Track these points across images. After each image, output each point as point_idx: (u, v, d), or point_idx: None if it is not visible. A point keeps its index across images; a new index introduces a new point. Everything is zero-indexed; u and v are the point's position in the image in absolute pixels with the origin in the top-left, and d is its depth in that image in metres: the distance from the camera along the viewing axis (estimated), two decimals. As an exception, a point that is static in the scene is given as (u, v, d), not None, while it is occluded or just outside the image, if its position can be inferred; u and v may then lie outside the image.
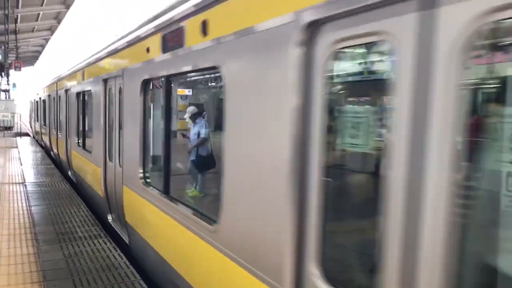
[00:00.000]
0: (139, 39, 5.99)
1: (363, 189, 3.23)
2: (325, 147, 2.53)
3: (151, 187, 5.67)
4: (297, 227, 2.66)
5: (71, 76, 12.82)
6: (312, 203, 2.59)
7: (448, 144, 1.78)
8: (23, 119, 43.02)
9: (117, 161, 7.37)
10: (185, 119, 8.66)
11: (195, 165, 8.25)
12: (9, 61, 31.53)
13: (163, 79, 5.25)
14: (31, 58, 52.42)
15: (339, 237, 2.96)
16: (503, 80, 2.07)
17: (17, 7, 26.30)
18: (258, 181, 3.05)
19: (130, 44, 6.47)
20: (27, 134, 32.35)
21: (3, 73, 35.22)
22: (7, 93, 40.23)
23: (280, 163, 2.76)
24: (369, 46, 2.56)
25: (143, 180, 5.94)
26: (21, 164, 15.59)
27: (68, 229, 7.57)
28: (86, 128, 10.83)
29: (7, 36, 26.84)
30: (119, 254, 6.34)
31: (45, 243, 6.76)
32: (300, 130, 2.62)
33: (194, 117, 8.32)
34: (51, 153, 18.32)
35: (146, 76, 5.66)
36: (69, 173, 13.23)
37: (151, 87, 6.20)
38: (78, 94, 11.31)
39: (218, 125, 8.43)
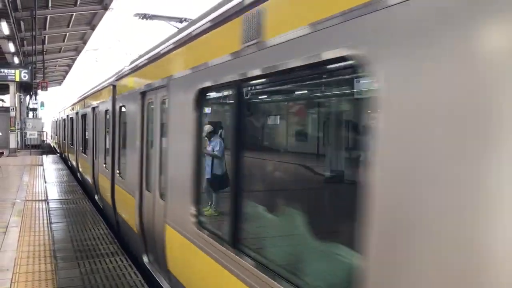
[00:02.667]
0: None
1: None
2: None
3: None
4: None
5: (99, 92, 11.80)
6: None
7: None
8: (49, 136, 44.09)
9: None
10: None
11: (210, 183, 8.29)
12: (37, 81, 32.53)
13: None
14: (58, 78, 53.98)
15: None
16: None
17: (45, 29, 27.24)
18: None
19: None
20: (52, 152, 33.08)
21: (31, 93, 36.34)
22: (34, 112, 41.43)
23: None
24: None
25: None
26: (45, 182, 15.89)
27: (86, 246, 7.63)
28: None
29: (34, 57, 27.68)
30: (134, 272, 6.34)
31: (62, 260, 6.81)
32: None
33: (209, 136, 8.47)
34: (78, 174, 17.36)
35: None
36: (96, 197, 12.23)
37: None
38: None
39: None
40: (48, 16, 25.05)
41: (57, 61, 40.99)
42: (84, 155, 14.76)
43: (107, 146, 10.25)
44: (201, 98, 4.41)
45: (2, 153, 26.45)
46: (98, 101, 11.92)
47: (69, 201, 12.14)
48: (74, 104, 20.28)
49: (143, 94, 6.86)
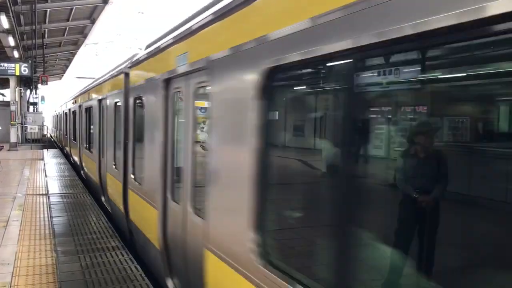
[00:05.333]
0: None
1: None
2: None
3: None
4: None
5: (107, 82, 10.58)
6: None
7: None
8: (50, 130, 44.00)
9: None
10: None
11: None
12: (37, 75, 32.42)
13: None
14: (58, 72, 53.84)
15: None
16: None
17: (44, 23, 27.11)
18: None
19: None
20: (53, 146, 33.05)
21: (31, 87, 36.25)
22: (35, 106, 41.37)
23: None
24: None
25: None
26: (45, 176, 15.90)
27: (87, 240, 7.64)
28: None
29: (34, 51, 27.57)
30: (135, 266, 6.35)
31: (63, 254, 6.83)
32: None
33: None
34: (81, 172, 15.92)
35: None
36: (103, 199, 11.02)
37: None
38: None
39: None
40: (48, 10, 24.91)
41: (57, 55, 40.84)
42: (90, 151, 13.79)
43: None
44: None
45: (2, 147, 26.38)
46: (104, 92, 10.96)
47: (70, 195, 12.15)
48: (76, 97, 18.93)
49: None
